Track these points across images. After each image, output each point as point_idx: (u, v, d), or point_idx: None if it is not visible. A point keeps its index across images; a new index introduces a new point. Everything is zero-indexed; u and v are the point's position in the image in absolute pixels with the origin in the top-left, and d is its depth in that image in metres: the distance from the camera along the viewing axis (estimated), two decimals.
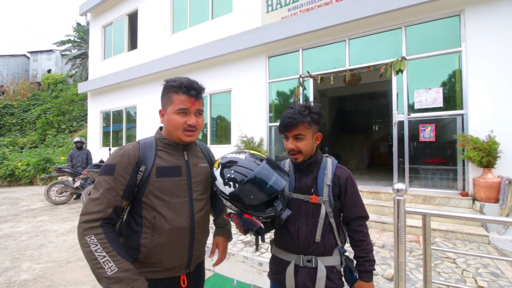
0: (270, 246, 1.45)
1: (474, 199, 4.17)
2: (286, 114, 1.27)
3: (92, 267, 0.98)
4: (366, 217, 1.37)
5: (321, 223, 1.26)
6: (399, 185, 1.70)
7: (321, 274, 1.23)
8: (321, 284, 1.22)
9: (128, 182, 1.09)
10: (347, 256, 1.36)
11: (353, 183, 1.35)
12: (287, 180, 1.16)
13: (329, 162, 1.36)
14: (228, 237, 1.53)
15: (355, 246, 1.34)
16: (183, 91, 1.16)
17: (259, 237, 1.30)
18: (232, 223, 1.33)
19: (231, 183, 1.11)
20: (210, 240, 1.48)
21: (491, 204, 3.84)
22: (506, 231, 3.51)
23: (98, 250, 0.98)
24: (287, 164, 1.44)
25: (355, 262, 1.38)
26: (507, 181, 3.65)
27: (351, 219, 1.33)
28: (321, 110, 1.31)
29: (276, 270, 1.35)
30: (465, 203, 4.22)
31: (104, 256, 0.98)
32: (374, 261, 1.33)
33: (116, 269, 0.98)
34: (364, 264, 1.30)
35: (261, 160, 1.18)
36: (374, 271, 1.35)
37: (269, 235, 1.49)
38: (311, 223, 1.27)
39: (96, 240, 0.99)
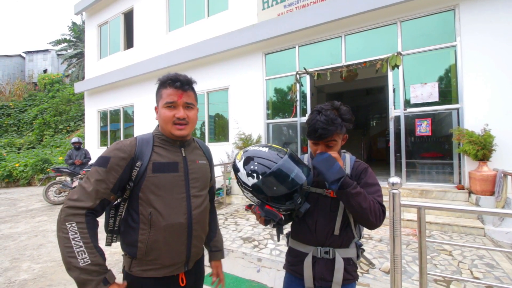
0: (286, 239, 1.47)
1: (470, 192, 4.21)
2: (318, 123, 1.20)
3: (64, 254, 0.96)
4: (382, 206, 1.22)
5: (340, 217, 1.27)
6: (394, 179, 1.73)
7: (339, 265, 1.25)
8: (339, 275, 1.24)
9: (120, 177, 1.10)
10: (363, 249, 1.37)
11: (369, 173, 1.31)
12: (308, 174, 1.18)
13: (347, 158, 1.38)
14: (224, 257, 1.51)
15: None
16: (169, 84, 1.17)
17: (279, 228, 1.33)
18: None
19: (254, 175, 1.14)
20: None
21: (486, 197, 3.89)
22: (501, 223, 3.56)
23: (76, 239, 0.97)
24: (305, 158, 1.46)
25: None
26: (502, 174, 3.69)
27: None
28: (351, 115, 1.27)
29: (294, 261, 1.37)
30: (461, 196, 4.26)
31: (80, 247, 0.97)
32: (356, 188, 1.17)
33: (89, 262, 0.96)
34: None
35: (284, 153, 1.20)
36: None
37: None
38: (330, 217, 1.28)
39: (76, 228, 0.98)
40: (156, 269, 1.13)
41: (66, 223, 0.98)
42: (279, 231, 1.36)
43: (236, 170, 1.23)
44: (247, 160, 1.19)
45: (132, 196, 1.15)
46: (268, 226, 1.25)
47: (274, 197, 1.18)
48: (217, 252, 1.44)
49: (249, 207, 1.28)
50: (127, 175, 1.12)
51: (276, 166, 1.12)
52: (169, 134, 1.20)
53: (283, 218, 1.21)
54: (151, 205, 1.12)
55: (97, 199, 1.05)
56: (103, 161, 1.10)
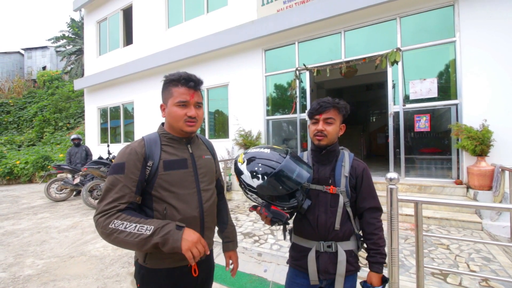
0: (289, 235, 1.51)
1: (468, 187, 4.25)
2: (318, 101, 1.38)
3: (132, 243, 0.99)
4: (379, 209, 1.38)
5: (340, 212, 1.32)
6: (391, 175, 1.76)
7: (342, 257, 1.30)
8: (342, 267, 1.29)
9: (139, 178, 1.13)
10: (362, 241, 1.41)
11: (368, 174, 1.40)
12: (310, 172, 1.22)
13: (346, 155, 1.43)
14: (237, 247, 1.55)
15: (367, 240, 1.35)
16: (182, 83, 1.20)
17: (286, 226, 1.39)
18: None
19: (260, 176, 1.16)
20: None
21: (484, 192, 3.93)
22: (499, 218, 3.60)
23: (127, 226, 1.01)
24: (305, 156, 1.50)
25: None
26: (500, 169, 3.72)
27: (365, 209, 1.36)
28: (347, 106, 1.44)
29: (298, 256, 1.41)
30: (460, 191, 4.30)
31: (135, 226, 1.01)
32: (385, 254, 1.35)
33: (153, 227, 1.01)
34: (375, 256, 1.32)
35: (285, 153, 1.24)
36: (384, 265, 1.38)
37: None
38: (330, 212, 1.33)
39: (119, 221, 1.02)
40: (171, 261, 1.17)
41: (110, 225, 1.02)
42: (285, 229, 1.42)
43: (239, 173, 1.25)
44: (250, 162, 1.21)
45: (144, 194, 1.18)
46: (273, 225, 1.28)
47: (278, 196, 1.21)
48: (229, 243, 1.49)
49: (253, 208, 1.30)
50: (143, 175, 1.15)
51: (280, 166, 1.15)
52: (179, 131, 1.24)
53: (289, 217, 1.25)
54: (165, 201, 1.16)
55: (123, 204, 1.08)
56: (119, 168, 1.12)
